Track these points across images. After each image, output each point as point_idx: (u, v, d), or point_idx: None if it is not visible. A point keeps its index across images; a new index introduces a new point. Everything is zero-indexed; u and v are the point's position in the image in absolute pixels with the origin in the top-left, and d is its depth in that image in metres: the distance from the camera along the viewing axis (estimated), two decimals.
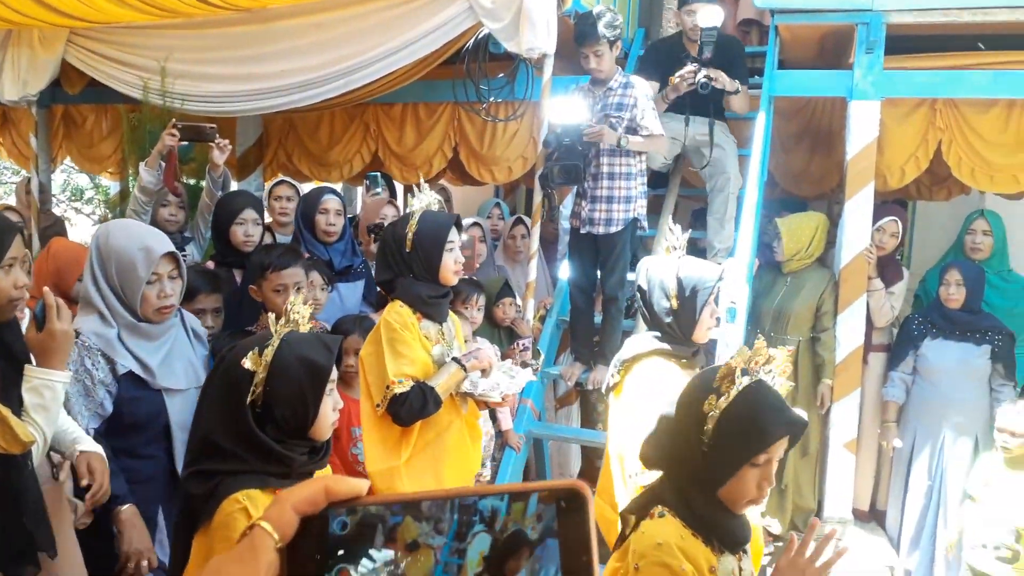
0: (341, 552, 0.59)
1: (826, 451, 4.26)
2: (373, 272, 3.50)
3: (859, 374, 4.20)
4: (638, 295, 2.52)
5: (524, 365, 3.87)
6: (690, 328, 2.37)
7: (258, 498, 1.51)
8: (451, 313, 2.72)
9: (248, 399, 1.54)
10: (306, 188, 4.42)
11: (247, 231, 3.43)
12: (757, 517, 4.27)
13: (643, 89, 3.71)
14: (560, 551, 0.56)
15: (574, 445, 4.63)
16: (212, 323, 2.92)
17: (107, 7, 4.01)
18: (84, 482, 2.00)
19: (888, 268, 4.32)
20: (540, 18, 3.61)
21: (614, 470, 2.35)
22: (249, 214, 3.44)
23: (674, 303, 2.36)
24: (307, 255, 3.49)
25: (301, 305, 1.70)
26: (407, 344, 2.41)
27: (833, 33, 4.39)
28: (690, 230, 2.73)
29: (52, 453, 2.06)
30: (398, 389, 2.35)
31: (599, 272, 3.89)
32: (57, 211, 7.84)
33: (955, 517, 3.79)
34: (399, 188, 5.62)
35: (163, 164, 3.75)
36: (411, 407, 2.36)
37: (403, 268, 2.50)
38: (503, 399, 2.62)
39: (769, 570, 3.94)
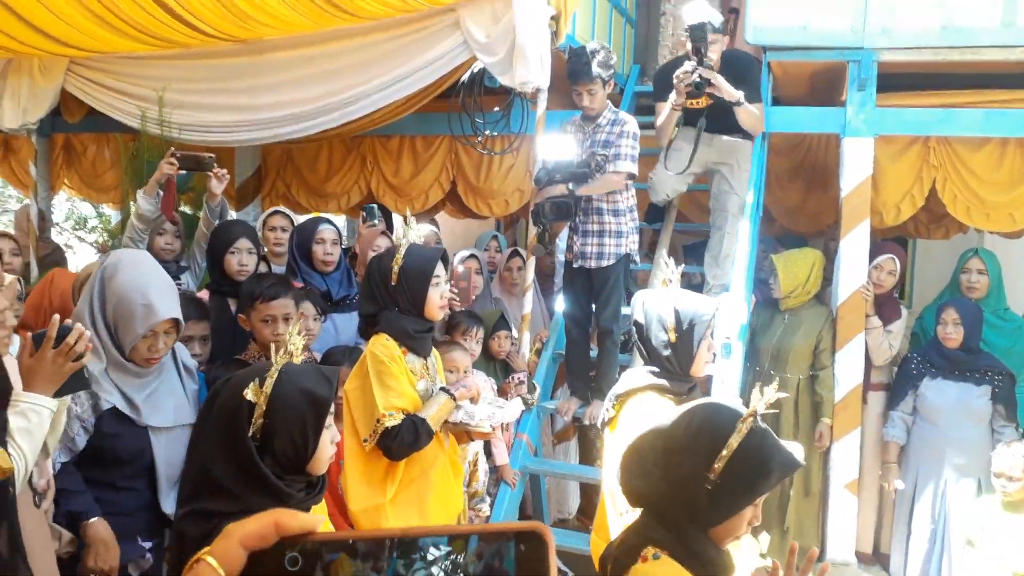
0: None
1: (827, 492, 4.20)
2: None
3: (859, 413, 4.16)
4: (634, 329, 2.48)
5: (520, 399, 3.85)
6: (688, 362, 2.32)
7: None
8: (433, 348, 2.70)
9: (252, 432, 1.50)
10: (302, 219, 4.41)
11: (241, 260, 3.41)
12: (757, 559, 4.20)
13: (630, 127, 3.71)
14: None
15: (572, 481, 4.57)
16: (200, 351, 2.90)
17: (106, 36, 4.05)
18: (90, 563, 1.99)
19: (886, 306, 4.30)
20: (534, 53, 3.63)
21: (608, 507, 2.31)
22: (243, 243, 3.44)
23: (672, 336, 2.31)
24: (302, 285, 3.48)
25: (296, 336, 1.67)
26: (395, 377, 2.38)
27: (826, 70, 4.43)
28: (683, 264, 2.71)
29: (35, 480, 2.02)
30: (389, 422, 2.31)
31: (593, 306, 3.88)
32: (60, 239, 7.85)
33: (959, 561, 3.72)
34: (397, 220, 5.64)
35: (161, 193, 3.74)
36: (403, 440, 2.32)
37: (388, 301, 2.48)
38: (493, 429, 2.58)
39: None
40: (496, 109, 4.35)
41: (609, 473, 2.35)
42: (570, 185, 3.58)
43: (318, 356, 3.14)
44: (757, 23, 4.24)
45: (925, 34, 4.10)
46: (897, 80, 4.28)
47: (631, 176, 3.71)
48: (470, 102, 4.20)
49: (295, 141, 4.65)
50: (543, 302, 4.77)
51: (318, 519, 0.59)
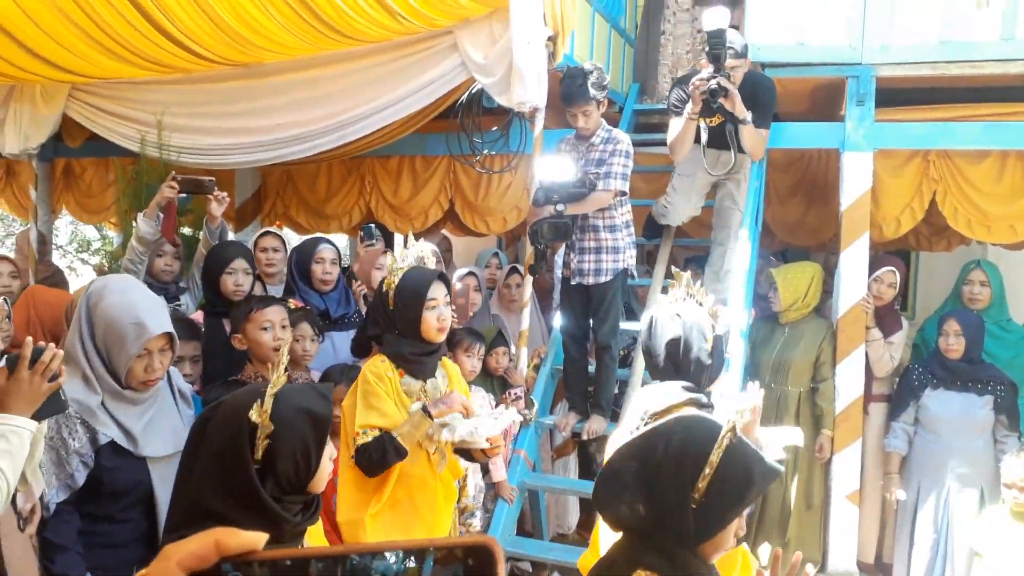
0: None
1: (829, 503, 4.18)
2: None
3: (860, 424, 4.14)
4: (664, 345, 2.27)
5: (519, 414, 3.85)
6: (718, 373, 2.27)
7: None
8: (447, 363, 2.69)
9: (257, 454, 1.45)
10: (299, 239, 4.43)
11: (237, 280, 3.42)
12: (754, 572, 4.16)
13: (622, 145, 3.71)
14: None
15: (571, 496, 4.55)
16: (190, 371, 2.93)
17: (106, 62, 4.09)
18: None
19: (887, 318, 4.29)
20: (530, 73, 3.65)
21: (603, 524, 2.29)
22: (239, 264, 3.45)
23: (709, 345, 2.23)
24: (301, 304, 3.49)
25: (285, 353, 1.67)
26: (379, 397, 2.41)
27: (825, 86, 4.44)
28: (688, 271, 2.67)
29: (20, 504, 2.01)
30: (361, 440, 2.36)
31: (591, 321, 3.87)
32: (63, 262, 7.89)
33: (962, 571, 3.69)
34: (399, 238, 5.66)
35: (161, 215, 3.77)
36: (371, 457, 2.35)
37: (388, 325, 2.50)
38: (490, 443, 2.49)
39: None
40: (494, 128, 4.37)
41: None
42: (559, 206, 3.58)
43: (316, 375, 3.14)
44: (755, 40, 4.25)
45: (923, 49, 4.11)
46: (896, 94, 4.30)
47: (622, 193, 3.71)
48: (468, 122, 4.23)
49: (295, 162, 4.68)
50: (542, 318, 4.77)
51: (260, 537, 0.58)
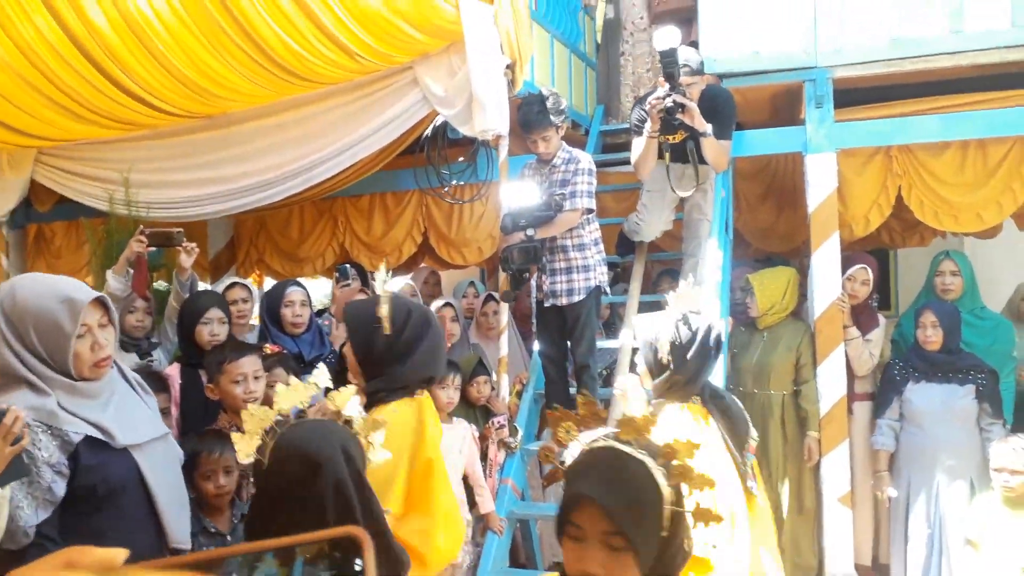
0: None
1: (821, 507, 4.16)
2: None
3: (845, 425, 4.14)
4: (669, 347, 2.42)
5: (502, 443, 3.83)
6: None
7: None
8: None
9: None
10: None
11: (212, 330, 3.42)
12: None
13: (584, 163, 3.74)
14: None
15: None
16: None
17: (70, 125, 4.12)
18: None
19: (863, 316, 4.30)
20: (491, 102, 3.69)
21: None
22: (215, 313, 3.45)
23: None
24: (276, 348, 3.48)
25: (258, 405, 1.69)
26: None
27: (783, 92, 4.50)
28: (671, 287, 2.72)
29: None
30: None
31: (569, 343, 3.87)
32: None
33: (958, 563, 3.67)
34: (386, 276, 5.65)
35: (131, 271, 3.77)
36: None
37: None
38: None
39: None
40: (461, 159, 4.41)
41: None
42: (528, 231, 3.60)
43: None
44: (710, 53, 4.32)
45: (875, 48, 4.17)
46: (854, 94, 4.35)
47: (589, 211, 3.73)
48: (434, 155, 4.26)
49: (266, 208, 4.70)
50: (523, 345, 4.77)
51: (119, 553, 0.57)
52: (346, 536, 0.55)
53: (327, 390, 1.80)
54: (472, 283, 5.04)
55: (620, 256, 4.72)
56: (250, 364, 2.90)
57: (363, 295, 4.21)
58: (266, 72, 3.75)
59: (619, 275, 5.24)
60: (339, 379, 3.03)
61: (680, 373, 2.39)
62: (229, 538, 2.58)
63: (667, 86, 3.78)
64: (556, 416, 1.38)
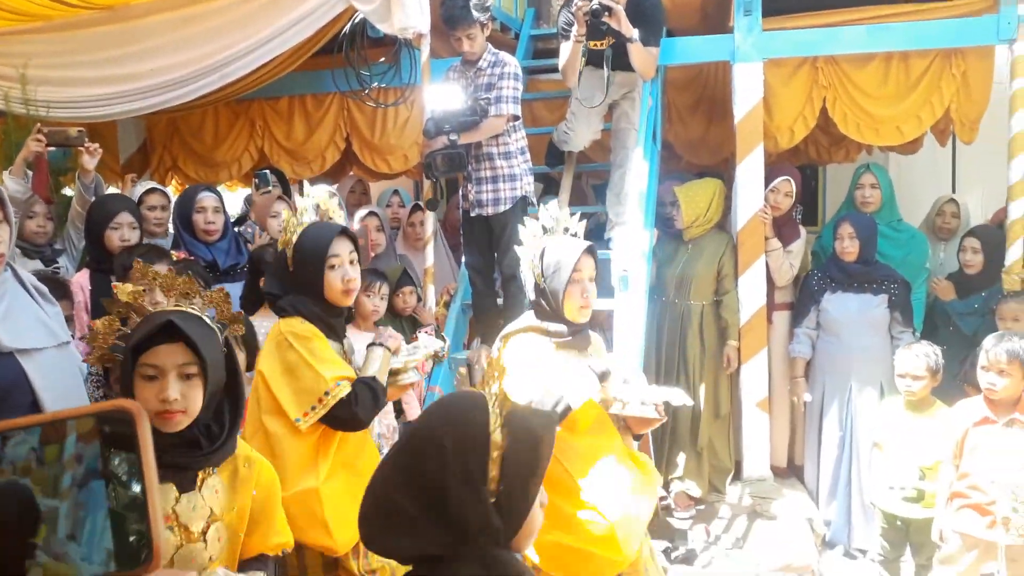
0: None
1: (739, 412, 4.30)
2: None
3: (764, 334, 4.24)
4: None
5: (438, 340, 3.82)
6: (558, 306, 2.33)
7: None
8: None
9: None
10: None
11: (123, 235, 3.28)
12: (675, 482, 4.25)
13: (510, 67, 3.64)
14: (105, 479, 0.49)
15: None
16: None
17: None
18: None
19: (786, 227, 4.37)
20: None
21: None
22: (125, 218, 3.31)
23: (540, 281, 2.35)
24: (185, 255, 3.35)
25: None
26: (328, 351, 2.25)
27: None
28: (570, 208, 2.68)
29: None
30: (342, 392, 2.18)
31: (495, 254, 3.83)
32: None
33: (866, 464, 3.85)
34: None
35: (30, 173, 3.56)
36: (364, 403, 2.21)
37: (290, 286, 2.30)
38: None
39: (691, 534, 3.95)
40: (382, 60, 4.23)
41: None
42: (451, 135, 3.50)
43: None
44: None
45: None
46: (782, 3, 4.29)
47: (515, 117, 3.64)
48: (353, 55, 4.08)
49: (178, 109, 4.45)
50: (451, 255, 4.71)
51: None
52: (116, 409, 0.50)
53: None
54: (396, 191, 4.93)
55: (549, 167, 4.66)
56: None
57: (283, 203, 4.07)
58: None
59: (549, 187, 5.19)
60: (251, 291, 2.92)
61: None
62: None
63: None
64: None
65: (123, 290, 1.69)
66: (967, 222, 4.65)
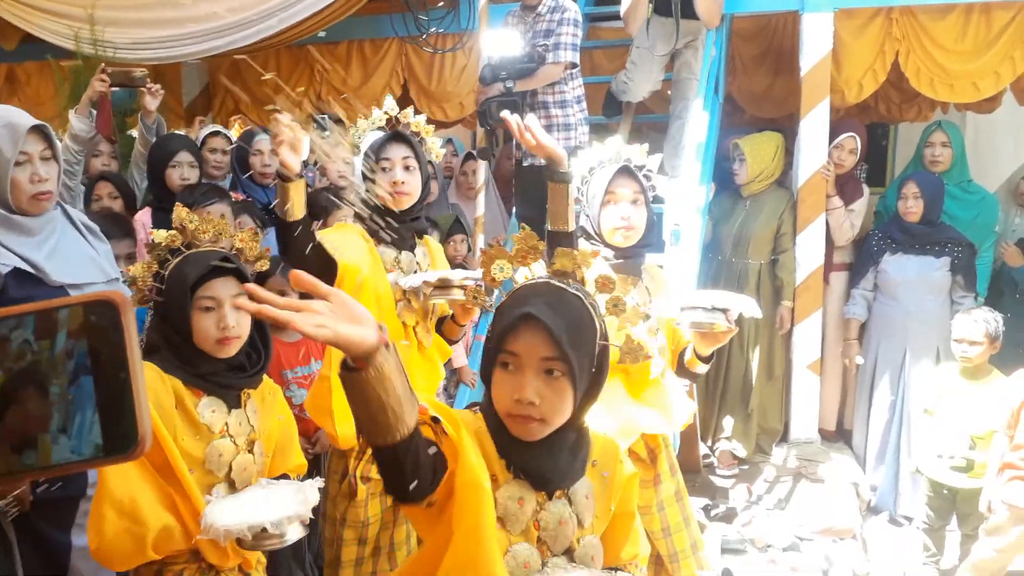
0: None
1: (790, 373, 4.24)
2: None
3: (820, 295, 4.16)
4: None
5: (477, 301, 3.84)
6: (598, 229, 2.26)
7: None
8: (429, 241, 2.50)
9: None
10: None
11: (183, 174, 3.37)
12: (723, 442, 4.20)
13: (570, 13, 3.56)
14: (94, 373, 0.52)
15: None
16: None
17: None
18: None
19: (848, 185, 4.23)
20: None
21: None
22: (184, 157, 3.39)
23: (584, 210, 2.30)
24: (243, 197, 3.43)
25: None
26: (346, 236, 2.22)
27: None
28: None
29: None
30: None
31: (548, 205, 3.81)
32: None
33: (916, 431, 3.77)
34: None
35: (95, 112, 3.65)
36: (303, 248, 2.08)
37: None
38: (465, 291, 2.24)
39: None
40: (440, 4, 4.19)
41: None
42: (507, 82, 3.46)
43: None
44: None
45: None
46: None
47: (573, 65, 3.58)
48: None
49: (240, 52, 4.50)
50: (502, 206, 4.71)
51: None
52: (99, 300, 0.53)
53: None
54: (450, 140, 4.92)
55: (607, 117, 4.59)
56: (216, 212, 2.86)
57: (341, 148, 4.10)
58: None
59: (604, 137, 5.10)
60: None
61: None
62: None
63: None
64: (490, 253, 1.34)
65: (159, 235, 1.79)
66: None
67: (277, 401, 1.92)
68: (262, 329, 1.85)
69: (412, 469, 1.12)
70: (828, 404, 4.38)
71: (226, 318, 1.71)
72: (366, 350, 1.01)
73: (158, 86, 3.60)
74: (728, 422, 4.21)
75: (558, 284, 1.27)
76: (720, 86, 4.45)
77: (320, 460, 2.77)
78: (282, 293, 2.75)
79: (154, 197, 3.47)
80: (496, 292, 3.75)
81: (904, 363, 3.94)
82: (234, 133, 4.90)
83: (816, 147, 4.10)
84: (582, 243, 2.31)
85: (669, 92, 4.40)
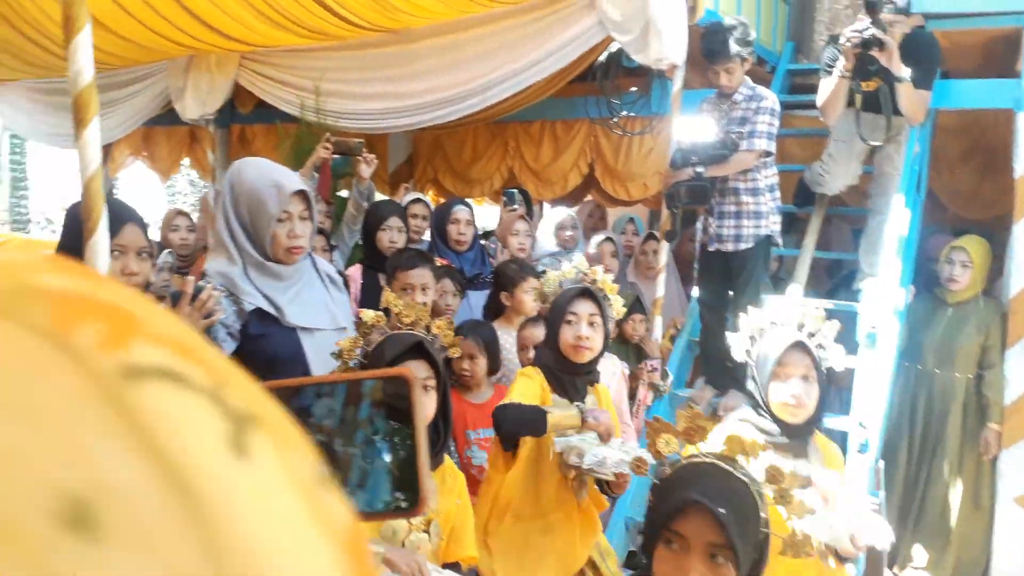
0: None
1: (994, 504, 3.83)
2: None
3: None
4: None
5: (652, 385, 3.79)
6: (765, 399, 2.11)
7: None
8: (600, 389, 2.53)
9: None
10: None
11: (392, 237, 3.63)
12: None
13: (768, 103, 3.53)
14: (388, 438, 0.58)
15: None
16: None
17: (271, 32, 4.37)
18: None
19: None
20: (668, 28, 3.55)
21: None
22: (394, 222, 3.67)
23: (752, 372, 2.18)
24: (445, 262, 3.63)
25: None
26: (527, 386, 2.29)
27: (998, 38, 4.03)
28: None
29: None
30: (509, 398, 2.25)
31: (731, 292, 3.74)
32: None
33: None
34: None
35: (316, 175, 4.01)
36: (508, 415, 2.15)
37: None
38: (617, 478, 2.18)
39: None
40: (633, 89, 4.30)
41: None
42: (698, 168, 3.47)
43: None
44: None
45: None
46: None
47: (767, 154, 3.54)
48: (607, 84, 4.18)
49: (443, 127, 4.81)
50: (681, 289, 4.66)
51: None
52: (398, 376, 0.58)
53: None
54: (632, 219, 4.96)
55: (797, 207, 4.47)
56: (419, 276, 3.02)
57: (523, 222, 4.26)
58: None
59: (792, 225, 4.97)
60: (493, 301, 3.10)
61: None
62: None
63: (867, 20, 3.49)
64: (655, 427, 1.36)
65: (367, 314, 2.06)
66: None
67: (457, 484, 1.94)
68: (445, 411, 1.91)
69: None
70: None
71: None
72: None
73: (373, 156, 3.91)
74: (918, 551, 3.85)
75: (725, 468, 1.29)
76: (922, 183, 4.24)
77: None
78: (471, 357, 2.87)
79: (365, 256, 3.76)
80: (671, 378, 3.66)
81: None
82: (429, 199, 5.22)
83: None
84: (749, 413, 2.19)
85: (866, 186, 4.25)
